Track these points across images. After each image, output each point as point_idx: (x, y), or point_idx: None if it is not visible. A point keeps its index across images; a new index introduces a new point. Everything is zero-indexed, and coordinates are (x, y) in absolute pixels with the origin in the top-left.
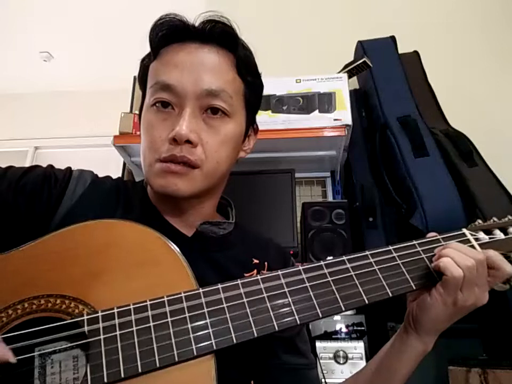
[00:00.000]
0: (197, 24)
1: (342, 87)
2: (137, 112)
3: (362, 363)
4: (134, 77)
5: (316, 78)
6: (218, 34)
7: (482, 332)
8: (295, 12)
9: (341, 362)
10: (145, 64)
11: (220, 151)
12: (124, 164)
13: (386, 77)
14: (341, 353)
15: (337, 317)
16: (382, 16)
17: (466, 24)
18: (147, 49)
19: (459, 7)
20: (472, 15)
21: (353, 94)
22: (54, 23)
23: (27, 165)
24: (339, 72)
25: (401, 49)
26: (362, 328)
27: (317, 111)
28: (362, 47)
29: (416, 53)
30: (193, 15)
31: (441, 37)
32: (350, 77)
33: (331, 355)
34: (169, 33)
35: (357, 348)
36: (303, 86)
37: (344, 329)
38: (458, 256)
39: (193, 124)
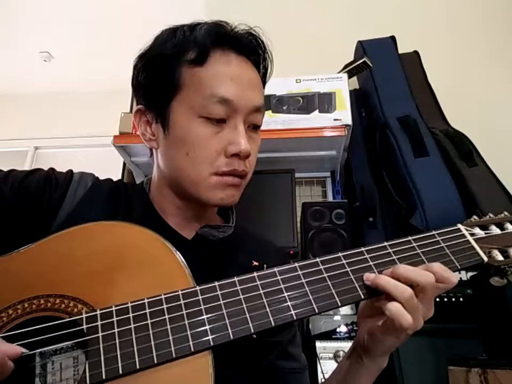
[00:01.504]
0: (235, 33)
1: (342, 87)
2: None
3: None
4: None
5: (316, 78)
6: (259, 49)
7: (482, 332)
8: (295, 12)
9: None
10: (177, 63)
11: (255, 160)
12: (124, 164)
13: (386, 77)
14: (341, 353)
15: (337, 317)
16: (382, 16)
17: (467, 24)
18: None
19: (459, 7)
20: (472, 15)
21: (353, 94)
22: (54, 23)
23: (27, 165)
24: (339, 72)
25: (401, 49)
26: None
27: (317, 111)
28: (362, 47)
29: (416, 53)
30: (193, 13)
31: (441, 37)
32: (350, 77)
33: (331, 355)
34: (220, 39)
35: None
36: (303, 86)
37: (344, 329)
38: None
39: (246, 139)
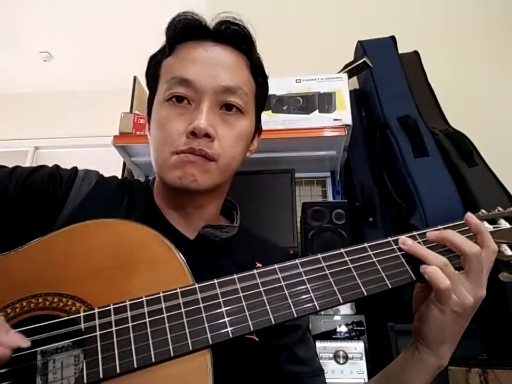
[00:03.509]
0: (213, 25)
1: (342, 87)
2: (137, 112)
3: (362, 363)
4: (134, 77)
5: (316, 78)
6: (234, 35)
7: (482, 331)
8: (295, 12)
9: (341, 362)
10: (157, 60)
11: (235, 146)
12: (124, 164)
13: (386, 77)
14: (341, 353)
15: (337, 317)
16: (382, 16)
17: (466, 24)
18: (148, 48)
19: (459, 7)
20: (472, 15)
21: (353, 94)
22: (54, 23)
23: (27, 165)
24: (339, 72)
25: (401, 49)
26: (362, 328)
27: (317, 111)
28: (362, 47)
29: (416, 53)
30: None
31: (441, 37)
32: (350, 77)
33: (331, 355)
34: (186, 30)
35: (357, 347)
36: (303, 86)
37: (344, 329)
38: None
39: (211, 118)
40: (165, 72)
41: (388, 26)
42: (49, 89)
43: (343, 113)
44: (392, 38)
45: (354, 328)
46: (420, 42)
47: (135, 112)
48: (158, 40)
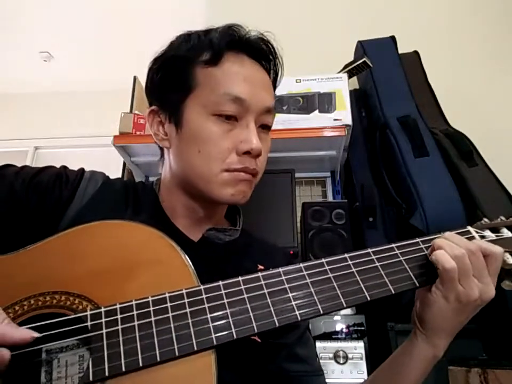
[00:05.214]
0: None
1: (342, 87)
2: (137, 112)
3: (362, 363)
4: (134, 77)
5: (316, 78)
6: (271, 54)
7: (482, 332)
8: (295, 12)
9: (341, 362)
10: (189, 62)
11: (265, 161)
12: (124, 164)
13: (386, 77)
14: (341, 353)
15: (337, 317)
16: (382, 16)
17: (467, 25)
18: (148, 48)
19: (459, 7)
20: (472, 15)
21: (353, 94)
22: (54, 23)
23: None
24: (339, 72)
25: (401, 49)
26: (363, 328)
27: (317, 111)
28: (362, 47)
29: (416, 53)
30: (193, 15)
31: (441, 37)
32: (350, 77)
33: (331, 355)
34: (232, 43)
35: (357, 348)
36: (303, 86)
37: (344, 329)
38: (448, 246)
39: (257, 138)
40: (209, 82)
41: (388, 26)
42: (49, 89)
43: (343, 113)
44: (392, 38)
45: (355, 328)
46: (420, 42)
47: (135, 112)
48: (157, 40)
